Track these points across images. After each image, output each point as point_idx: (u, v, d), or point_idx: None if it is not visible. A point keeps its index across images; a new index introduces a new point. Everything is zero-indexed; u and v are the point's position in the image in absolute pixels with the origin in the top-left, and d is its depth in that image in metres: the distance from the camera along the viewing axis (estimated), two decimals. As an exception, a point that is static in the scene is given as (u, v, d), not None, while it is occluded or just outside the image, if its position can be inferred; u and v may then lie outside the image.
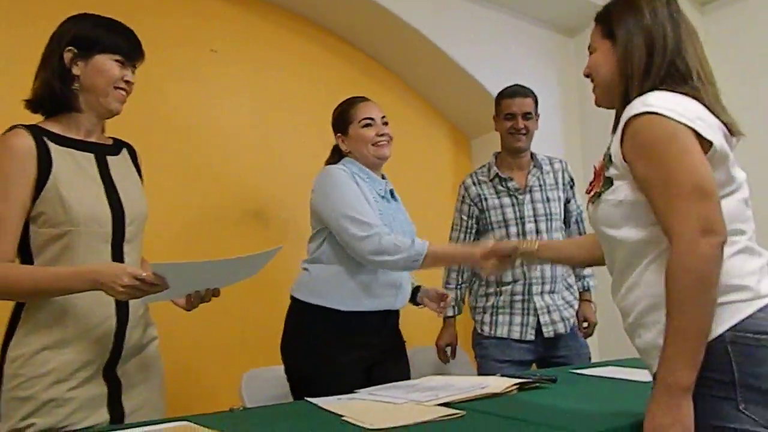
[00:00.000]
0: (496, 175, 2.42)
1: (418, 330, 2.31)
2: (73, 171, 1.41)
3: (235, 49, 2.65)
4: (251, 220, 2.60)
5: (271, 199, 2.44)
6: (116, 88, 1.45)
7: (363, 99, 2.05)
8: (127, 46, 1.47)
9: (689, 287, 1.01)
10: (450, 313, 2.45)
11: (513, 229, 2.35)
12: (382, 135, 1.97)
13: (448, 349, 2.49)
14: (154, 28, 2.42)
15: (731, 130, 1.16)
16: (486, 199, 2.41)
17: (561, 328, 2.32)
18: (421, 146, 3.27)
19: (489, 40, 3.10)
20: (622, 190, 1.13)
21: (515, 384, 1.52)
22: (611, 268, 1.21)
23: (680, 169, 1.04)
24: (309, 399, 1.51)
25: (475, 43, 3.05)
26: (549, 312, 2.31)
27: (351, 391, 1.61)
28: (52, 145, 1.39)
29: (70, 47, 1.42)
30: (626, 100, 1.15)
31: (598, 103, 1.30)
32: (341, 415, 1.29)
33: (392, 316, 1.97)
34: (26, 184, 1.34)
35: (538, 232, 2.34)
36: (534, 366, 2.38)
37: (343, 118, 2.02)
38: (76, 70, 1.42)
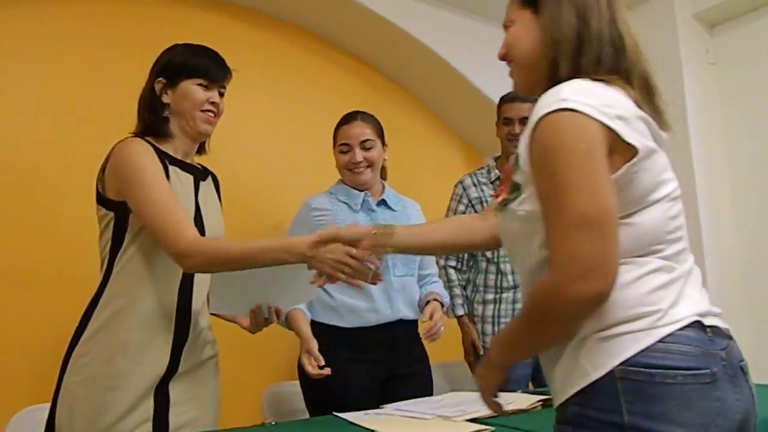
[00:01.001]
0: (498, 177, 2.40)
1: (432, 347, 2.33)
2: (177, 188, 1.46)
3: (255, 68, 2.70)
4: (272, 234, 2.63)
5: (292, 212, 2.46)
6: (203, 111, 1.50)
7: (348, 120, 2.04)
8: (211, 70, 1.52)
9: (540, 329, 0.95)
10: (460, 312, 2.40)
11: None
12: (354, 163, 1.98)
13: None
14: (169, 44, 2.50)
15: (660, 125, 1.03)
16: (487, 201, 2.36)
17: None
18: (432, 163, 3.31)
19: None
20: (530, 200, 0.96)
21: (540, 400, 1.55)
22: (521, 280, 1.08)
23: (569, 189, 0.87)
24: (337, 414, 1.53)
25: (487, 62, 3.05)
26: None
27: (366, 407, 1.62)
28: (165, 161, 1.46)
29: (159, 78, 1.50)
30: (553, 85, 0.96)
31: (517, 90, 1.12)
32: (372, 430, 1.32)
33: (398, 327, 1.95)
34: (164, 174, 1.41)
35: None
36: (530, 385, 2.32)
37: (333, 137, 2.08)
38: (166, 99, 1.50)
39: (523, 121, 2.37)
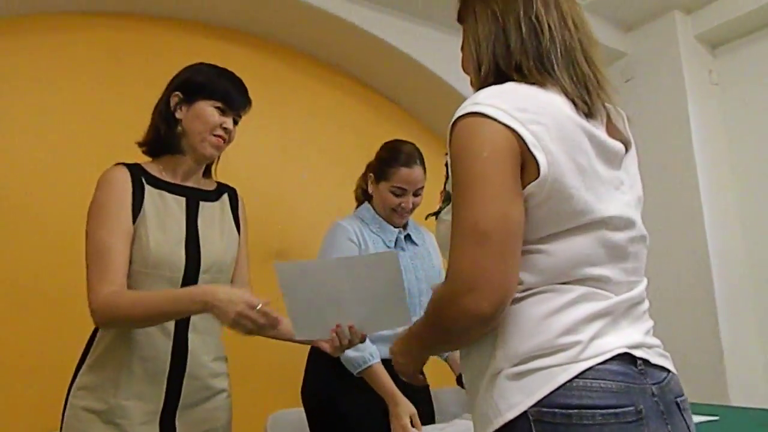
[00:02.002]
0: None
1: (442, 370, 2.30)
2: (160, 213, 1.41)
3: (261, 94, 2.71)
4: (275, 260, 2.63)
5: (295, 238, 2.48)
6: (214, 135, 1.45)
7: (410, 163, 1.92)
8: (231, 95, 1.48)
9: (435, 336, 0.93)
10: None
11: None
12: (405, 209, 1.91)
13: None
14: (173, 72, 2.52)
15: (612, 133, 0.95)
16: None
17: None
18: (435, 184, 3.31)
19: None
20: None
21: None
22: None
23: (466, 199, 0.83)
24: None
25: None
26: None
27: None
28: (146, 186, 1.42)
29: (177, 92, 1.46)
30: None
31: None
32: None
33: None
34: (127, 211, 1.37)
35: None
36: None
37: (382, 167, 1.95)
38: (179, 114, 1.45)
39: None
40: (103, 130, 2.35)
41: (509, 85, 0.90)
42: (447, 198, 0.95)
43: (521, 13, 0.94)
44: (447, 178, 0.93)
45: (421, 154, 1.98)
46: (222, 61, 2.60)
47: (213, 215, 1.52)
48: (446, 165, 0.91)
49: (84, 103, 2.35)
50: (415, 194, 1.94)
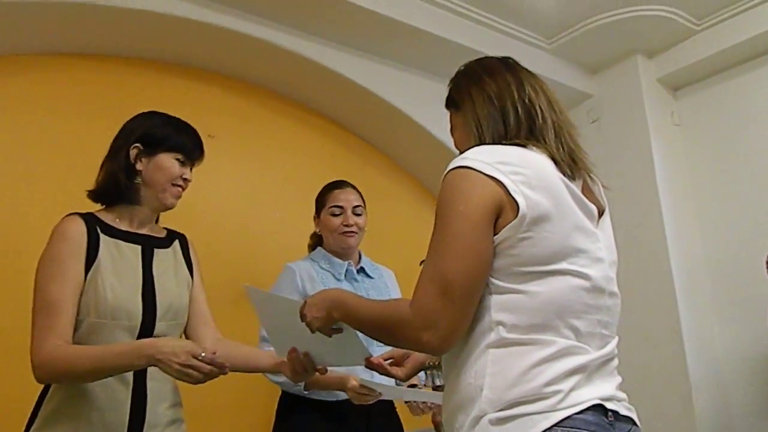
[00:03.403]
0: None
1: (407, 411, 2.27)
2: (116, 261, 1.41)
3: (232, 134, 2.72)
4: (241, 301, 2.57)
5: (267, 278, 2.43)
6: (174, 185, 1.49)
7: (340, 185, 2.08)
8: (190, 146, 1.53)
9: (385, 338, 1.05)
10: (437, 382, 2.25)
11: None
12: (348, 225, 2.00)
13: None
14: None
15: (589, 196, 1.05)
16: None
17: None
18: (409, 223, 3.32)
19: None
20: None
21: None
22: None
23: (439, 249, 0.94)
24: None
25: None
26: None
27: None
28: (101, 235, 1.42)
29: (137, 144, 1.48)
30: None
31: None
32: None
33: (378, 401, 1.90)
34: (80, 264, 1.36)
35: None
36: None
37: (319, 201, 2.09)
38: (139, 166, 1.47)
39: None
40: (74, 169, 2.31)
41: (497, 146, 1.02)
42: None
43: (515, 96, 1.08)
44: None
45: (352, 184, 2.12)
46: (192, 101, 2.62)
47: (167, 262, 1.54)
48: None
49: (54, 143, 2.32)
50: (355, 213, 2.03)
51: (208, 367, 1.23)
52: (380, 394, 1.70)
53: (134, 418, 1.37)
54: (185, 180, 1.52)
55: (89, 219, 1.43)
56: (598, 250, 1.02)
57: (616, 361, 1.04)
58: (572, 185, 1.01)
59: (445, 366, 1.06)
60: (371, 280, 2.05)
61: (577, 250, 0.97)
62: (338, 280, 1.97)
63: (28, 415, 1.37)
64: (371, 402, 1.72)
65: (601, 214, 1.08)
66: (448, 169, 0.99)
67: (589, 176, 1.11)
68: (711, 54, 3.09)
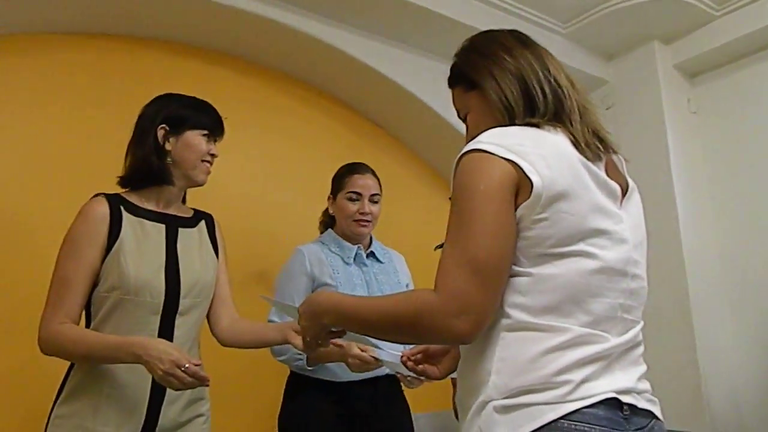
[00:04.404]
0: None
1: (420, 395, 2.28)
2: (139, 240, 1.45)
3: (245, 116, 2.72)
4: (254, 282, 2.60)
5: (275, 260, 2.44)
6: (203, 161, 1.55)
7: (361, 170, 2.04)
8: (212, 122, 1.57)
9: (399, 332, 0.96)
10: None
11: None
12: (363, 213, 1.97)
13: None
14: (157, 92, 2.50)
15: (612, 174, 1.03)
16: None
17: None
18: (421, 209, 3.32)
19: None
20: None
21: None
22: None
23: (465, 231, 0.90)
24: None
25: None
26: None
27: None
28: (125, 214, 1.46)
29: (162, 125, 1.51)
30: None
31: None
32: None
33: (382, 381, 1.92)
34: (96, 247, 1.41)
35: None
36: None
37: (336, 182, 2.06)
38: (168, 146, 1.51)
39: None
40: (85, 151, 2.33)
41: (513, 127, 0.98)
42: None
43: (540, 74, 1.03)
44: None
45: (372, 169, 2.08)
46: (205, 83, 2.62)
47: (192, 241, 1.57)
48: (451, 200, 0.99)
49: (65, 124, 2.33)
50: (372, 201, 2.00)
51: (189, 379, 1.26)
52: (380, 363, 1.68)
53: (154, 394, 1.41)
54: (213, 155, 1.57)
55: (113, 199, 1.48)
56: (622, 231, 0.98)
57: (640, 349, 1.01)
58: (593, 166, 0.97)
59: (461, 348, 1.03)
60: (381, 265, 2.05)
61: (597, 231, 0.94)
62: (347, 264, 1.97)
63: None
64: (372, 369, 1.70)
65: (624, 192, 1.05)
66: (462, 152, 0.95)
67: (615, 154, 1.08)
68: (730, 40, 3.04)
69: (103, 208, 1.45)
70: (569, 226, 0.91)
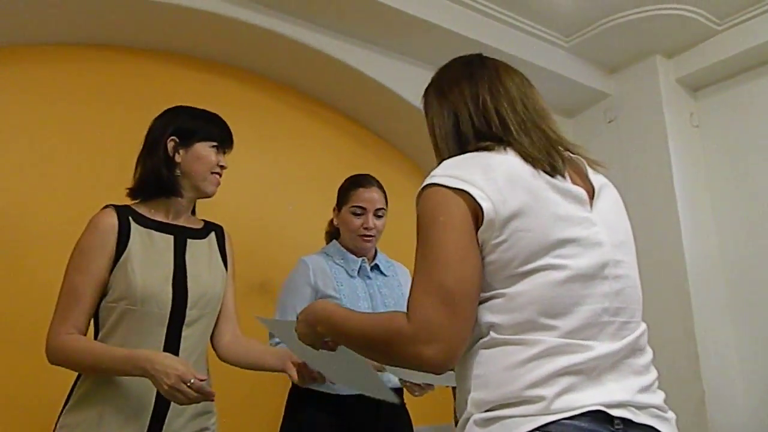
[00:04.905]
0: None
1: (422, 408, 2.27)
2: (147, 250, 1.46)
3: (249, 128, 2.73)
4: (256, 293, 2.60)
5: (276, 271, 2.45)
6: (213, 173, 1.55)
7: (366, 184, 2.01)
8: (222, 134, 1.58)
9: (376, 354, 1.00)
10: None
11: None
12: (367, 228, 1.95)
13: None
14: (159, 104, 2.46)
15: (578, 181, 1.03)
16: None
17: None
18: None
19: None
20: None
21: None
22: None
23: (431, 260, 0.92)
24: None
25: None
26: None
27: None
28: (134, 225, 1.47)
29: (172, 137, 1.52)
30: None
31: None
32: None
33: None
34: (104, 258, 1.42)
35: None
36: None
37: (341, 195, 2.04)
38: (177, 158, 1.52)
39: None
40: (88, 161, 2.34)
41: (463, 155, 1.01)
42: None
43: (471, 107, 1.07)
44: None
45: (379, 181, 2.06)
46: (208, 94, 2.64)
47: (201, 252, 1.57)
48: None
49: (71, 132, 2.35)
50: (377, 216, 1.98)
51: (194, 394, 1.27)
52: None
53: (158, 405, 1.40)
54: (222, 167, 1.57)
55: (122, 210, 1.48)
56: (594, 235, 0.97)
57: (644, 357, 0.97)
58: (550, 177, 0.98)
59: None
60: (385, 278, 2.03)
61: (563, 241, 0.93)
62: (351, 276, 1.96)
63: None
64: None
65: (592, 194, 1.04)
66: (422, 186, 0.99)
67: (575, 156, 1.08)
68: (732, 55, 3.05)
69: (112, 220, 1.45)
70: (531, 243, 0.92)
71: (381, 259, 2.07)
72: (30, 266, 2.14)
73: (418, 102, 2.93)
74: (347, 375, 1.39)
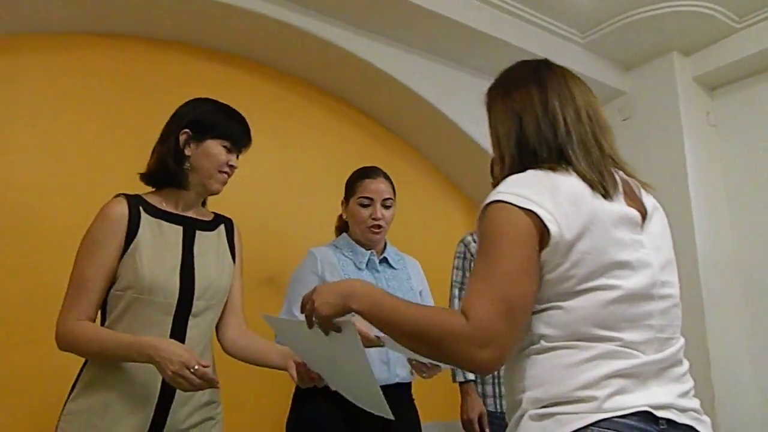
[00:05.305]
0: None
1: (430, 404, 2.27)
2: (156, 240, 1.47)
3: (262, 120, 2.72)
4: (266, 287, 2.60)
5: (286, 265, 2.45)
6: (220, 171, 1.55)
7: (373, 174, 2.02)
8: (238, 134, 1.57)
9: (422, 347, 1.01)
10: (468, 376, 2.26)
11: None
12: (375, 218, 1.95)
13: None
14: (170, 94, 2.48)
15: (632, 203, 1.07)
16: None
17: None
18: (432, 214, 3.31)
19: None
20: None
21: None
22: None
23: (496, 272, 0.97)
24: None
25: (485, 116, 3.13)
26: None
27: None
28: (144, 214, 1.48)
29: (186, 129, 1.52)
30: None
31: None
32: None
33: (394, 390, 1.89)
34: (113, 247, 1.43)
35: None
36: None
37: (349, 187, 2.05)
38: (188, 151, 1.52)
39: None
40: (98, 152, 2.35)
41: (529, 173, 1.04)
42: None
43: (538, 111, 1.09)
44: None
45: (385, 173, 2.06)
46: (223, 85, 2.64)
47: (209, 244, 1.57)
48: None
49: (84, 123, 2.35)
50: (385, 206, 1.98)
51: (198, 380, 1.28)
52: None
53: (164, 394, 1.42)
54: (231, 167, 1.56)
55: (133, 200, 1.49)
56: (644, 257, 1.03)
57: (683, 367, 1.06)
58: (607, 201, 1.03)
59: (503, 370, 1.10)
60: (393, 271, 2.03)
61: (617, 264, 1.00)
62: (359, 269, 1.96)
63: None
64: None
65: (644, 215, 1.09)
66: (486, 203, 1.02)
67: (628, 181, 1.12)
68: (751, 53, 3.00)
69: (122, 209, 1.46)
70: (589, 265, 0.98)
71: (390, 252, 2.06)
72: (37, 257, 2.15)
73: (430, 96, 2.97)
74: (345, 382, 1.38)
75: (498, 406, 2.24)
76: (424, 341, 1.00)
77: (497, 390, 2.26)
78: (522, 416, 0.98)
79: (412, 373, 1.95)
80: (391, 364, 1.90)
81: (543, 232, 0.98)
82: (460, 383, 2.31)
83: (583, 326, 0.98)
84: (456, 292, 2.43)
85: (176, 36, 2.62)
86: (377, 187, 1.98)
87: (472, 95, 3.34)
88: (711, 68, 3.16)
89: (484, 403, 2.27)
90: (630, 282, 1.00)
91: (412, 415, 1.98)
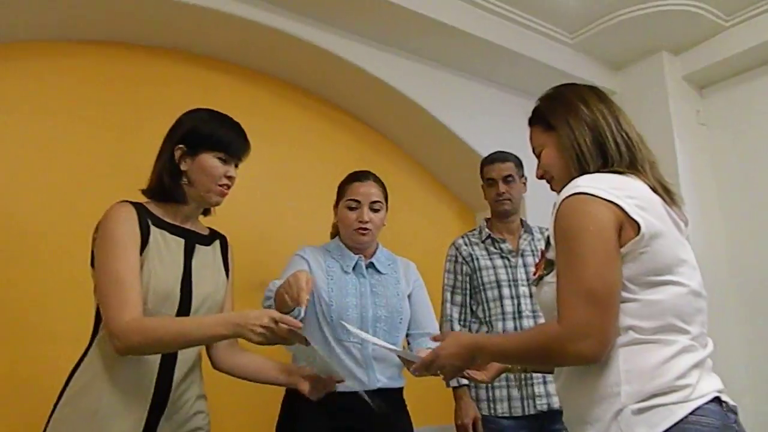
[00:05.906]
0: (489, 236, 2.40)
1: (423, 408, 2.25)
2: (161, 250, 1.45)
3: (252, 126, 2.69)
4: (258, 293, 2.57)
5: (278, 270, 2.43)
6: (219, 185, 1.52)
7: (361, 178, 2.01)
8: (233, 144, 1.53)
9: (537, 359, 1.22)
10: (461, 381, 2.23)
11: (506, 291, 2.29)
12: (362, 221, 1.94)
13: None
14: (160, 101, 2.48)
15: (676, 210, 1.19)
16: (477, 259, 2.36)
17: (556, 402, 2.14)
18: (426, 219, 3.29)
19: (491, 116, 3.17)
20: None
21: None
22: None
23: (580, 265, 1.05)
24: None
25: (477, 119, 3.12)
26: (545, 382, 2.18)
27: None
28: (150, 223, 1.46)
29: (180, 145, 1.50)
30: None
31: None
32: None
33: (378, 397, 1.80)
34: (136, 248, 1.40)
35: (531, 296, 2.25)
36: None
37: (339, 191, 2.05)
38: (183, 166, 1.50)
39: (507, 179, 2.38)
40: (87, 158, 2.32)
41: (601, 174, 1.14)
42: (548, 264, 1.16)
43: (613, 127, 1.20)
44: (548, 248, 1.17)
45: (376, 176, 2.06)
46: (209, 91, 2.62)
47: (206, 258, 1.57)
48: (548, 237, 1.17)
49: (69, 130, 2.32)
50: (373, 209, 1.97)
51: (286, 328, 1.31)
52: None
53: (155, 403, 1.41)
54: (230, 178, 1.53)
55: (139, 208, 1.47)
56: (693, 259, 1.16)
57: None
58: (668, 207, 1.15)
59: (571, 370, 1.15)
60: (380, 276, 2.01)
61: (681, 261, 1.11)
62: (345, 272, 1.96)
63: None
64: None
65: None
66: (564, 196, 1.10)
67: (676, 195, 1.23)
68: (740, 51, 3.01)
69: (132, 213, 1.44)
70: (665, 257, 1.08)
71: (380, 257, 2.05)
72: (27, 262, 2.13)
73: (420, 100, 2.96)
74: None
75: (491, 411, 2.23)
76: (535, 356, 1.16)
77: (490, 394, 2.25)
78: (620, 411, 1.03)
79: (401, 377, 1.93)
80: (371, 368, 1.88)
81: (626, 223, 1.06)
82: (454, 388, 2.29)
83: (668, 318, 1.06)
84: (448, 295, 2.41)
85: (167, 43, 2.59)
86: (365, 191, 1.98)
87: (463, 98, 3.36)
88: (700, 67, 3.17)
89: (478, 407, 2.25)
90: (691, 280, 1.12)
91: (403, 421, 1.96)
